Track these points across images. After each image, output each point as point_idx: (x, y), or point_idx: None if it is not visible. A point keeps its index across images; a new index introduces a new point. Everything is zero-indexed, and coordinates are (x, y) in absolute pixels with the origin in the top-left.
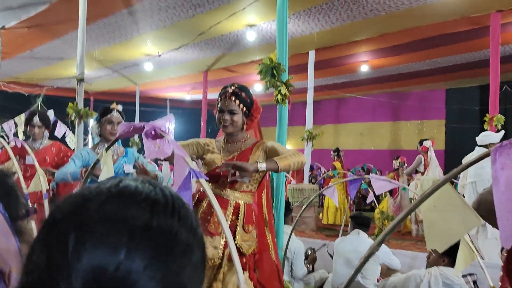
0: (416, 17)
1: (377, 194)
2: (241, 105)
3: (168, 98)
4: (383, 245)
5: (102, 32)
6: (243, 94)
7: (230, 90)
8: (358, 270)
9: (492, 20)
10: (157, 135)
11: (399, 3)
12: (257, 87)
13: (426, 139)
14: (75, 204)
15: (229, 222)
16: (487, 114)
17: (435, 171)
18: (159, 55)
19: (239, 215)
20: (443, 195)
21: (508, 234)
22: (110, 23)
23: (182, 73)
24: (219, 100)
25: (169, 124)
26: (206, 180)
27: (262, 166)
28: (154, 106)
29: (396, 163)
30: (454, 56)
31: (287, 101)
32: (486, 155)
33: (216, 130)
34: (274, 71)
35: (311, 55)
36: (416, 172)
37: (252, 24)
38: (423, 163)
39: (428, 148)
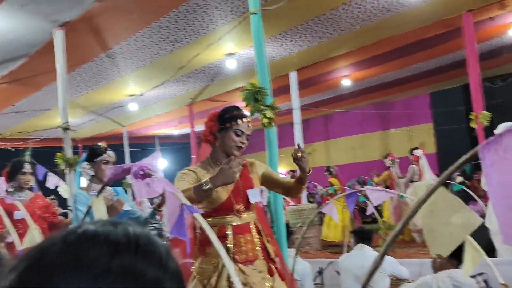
0: (390, 27)
1: (375, 205)
2: None
3: (156, 136)
4: (388, 256)
5: (83, 78)
6: None
7: (247, 114)
8: (365, 286)
9: (464, 20)
10: (146, 175)
11: (372, 15)
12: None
13: (416, 148)
14: (33, 258)
15: (259, 246)
16: (471, 112)
17: (429, 179)
18: (141, 94)
19: (261, 232)
20: (438, 199)
21: (508, 231)
22: (90, 69)
23: (168, 109)
24: (236, 122)
25: (156, 161)
26: (215, 215)
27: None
28: (143, 146)
29: (387, 162)
30: (433, 59)
31: (273, 124)
32: (476, 152)
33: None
34: (257, 96)
35: (293, 76)
36: (412, 182)
37: (231, 53)
38: (417, 172)
39: (419, 157)
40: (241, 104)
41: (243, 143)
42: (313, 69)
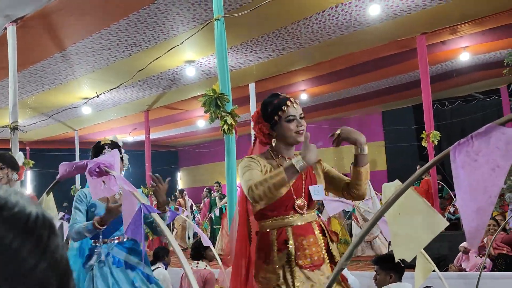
0: (348, 44)
1: (330, 215)
2: None
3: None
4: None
5: (35, 78)
6: None
7: (288, 96)
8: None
9: (418, 42)
10: (102, 172)
11: (331, 32)
12: (200, 123)
13: None
14: None
15: (324, 252)
16: (423, 132)
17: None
18: (97, 96)
19: (325, 232)
20: (407, 201)
21: (473, 235)
22: (43, 68)
23: (122, 114)
24: (282, 109)
25: (114, 159)
26: (272, 215)
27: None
28: None
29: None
30: (387, 79)
31: (234, 131)
32: (447, 153)
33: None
34: (218, 102)
35: (252, 87)
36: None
37: (190, 60)
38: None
39: None
40: (198, 112)
41: (301, 125)
42: (271, 82)
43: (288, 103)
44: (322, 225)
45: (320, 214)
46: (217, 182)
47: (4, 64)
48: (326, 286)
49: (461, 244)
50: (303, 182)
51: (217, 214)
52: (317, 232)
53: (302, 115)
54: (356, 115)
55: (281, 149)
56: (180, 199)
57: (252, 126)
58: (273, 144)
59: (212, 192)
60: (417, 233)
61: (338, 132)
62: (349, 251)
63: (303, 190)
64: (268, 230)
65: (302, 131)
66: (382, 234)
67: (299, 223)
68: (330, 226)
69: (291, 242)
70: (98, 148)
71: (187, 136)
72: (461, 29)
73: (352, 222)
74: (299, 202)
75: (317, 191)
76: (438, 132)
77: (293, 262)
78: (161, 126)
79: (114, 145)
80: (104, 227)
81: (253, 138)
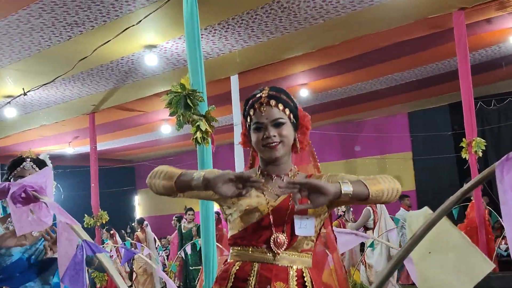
0: (362, 24)
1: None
2: (287, 111)
3: (41, 154)
4: None
5: None
6: (284, 96)
7: (265, 94)
8: None
9: (455, 20)
10: (30, 198)
11: (340, 7)
12: (165, 129)
13: None
14: None
15: None
16: (463, 139)
17: (388, 224)
18: (24, 94)
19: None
20: (439, 235)
21: None
22: None
23: (60, 118)
24: (250, 114)
25: (46, 180)
26: (241, 242)
27: (347, 188)
28: None
29: (340, 209)
30: (414, 70)
31: (209, 140)
32: (491, 172)
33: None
34: (189, 101)
35: (234, 81)
36: (366, 229)
37: (151, 45)
38: (372, 216)
39: None
40: (162, 115)
41: (271, 136)
42: (260, 74)
43: (256, 105)
44: (308, 276)
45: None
46: (190, 209)
47: None
48: None
49: None
50: (287, 212)
51: (189, 252)
52: (292, 282)
53: (280, 121)
54: (373, 117)
55: (264, 166)
56: (139, 232)
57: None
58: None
59: (184, 221)
60: (453, 278)
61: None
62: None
63: (285, 223)
64: (232, 260)
65: (272, 144)
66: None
67: (272, 262)
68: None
69: (251, 280)
70: (16, 163)
71: (147, 147)
72: (511, 4)
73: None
74: (279, 237)
75: (304, 224)
76: (483, 140)
77: None
78: (112, 133)
79: (40, 162)
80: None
81: (235, 136)
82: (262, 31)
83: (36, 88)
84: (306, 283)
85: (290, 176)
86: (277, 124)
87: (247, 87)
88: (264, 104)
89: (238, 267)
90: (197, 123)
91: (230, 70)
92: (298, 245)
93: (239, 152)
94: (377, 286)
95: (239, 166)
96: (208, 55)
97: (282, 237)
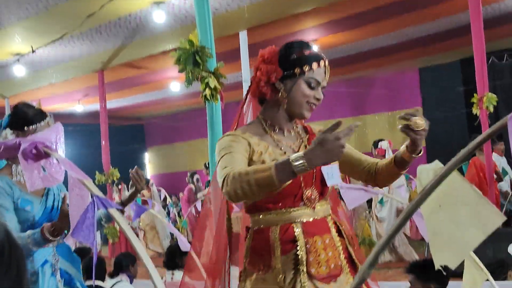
0: None
1: (349, 208)
2: None
3: (51, 113)
4: None
5: None
6: None
7: (325, 58)
8: None
9: None
10: (41, 154)
11: None
12: (174, 87)
13: (381, 140)
14: None
15: (343, 258)
16: (474, 94)
17: (398, 180)
18: (33, 51)
19: (341, 231)
20: (450, 189)
21: None
22: None
23: (69, 76)
24: (311, 66)
25: (57, 136)
26: (274, 207)
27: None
28: None
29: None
30: (425, 24)
31: (218, 96)
32: (503, 125)
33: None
34: (197, 58)
35: (243, 37)
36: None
37: (159, 1)
38: None
39: (385, 151)
40: (170, 72)
41: (318, 99)
42: (269, 30)
43: (321, 63)
44: (337, 221)
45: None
46: (206, 165)
47: None
48: None
49: None
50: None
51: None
52: (333, 231)
53: (324, 87)
54: (384, 74)
55: (280, 118)
56: (144, 191)
57: (255, 65)
58: (270, 108)
59: (199, 178)
60: (464, 232)
61: (421, 123)
62: (373, 256)
63: (314, 176)
64: (267, 226)
65: (314, 106)
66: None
67: (311, 219)
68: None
69: (300, 242)
70: (37, 116)
71: (156, 104)
72: None
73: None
74: (309, 193)
75: (331, 174)
76: (495, 95)
77: (302, 270)
78: (121, 91)
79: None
80: (58, 237)
81: (245, 93)
82: None
83: (45, 45)
84: (340, 229)
85: (295, 128)
86: (323, 88)
87: (256, 43)
88: (326, 68)
89: (279, 231)
90: (206, 80)
91: (239, 25)
92: (326, 195)
93: (248, 109)
94: (386, 240)
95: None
96: (216, 11)
97: (314, 191)
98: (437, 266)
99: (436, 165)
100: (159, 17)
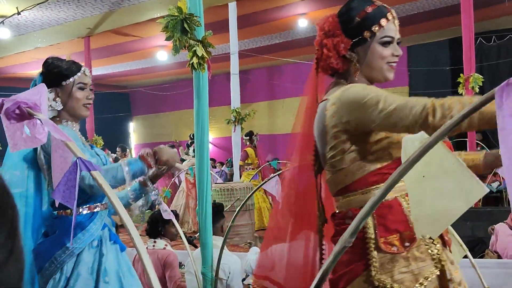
0: None
1: None
2: None
3: (35, 78)
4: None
5: None
6: None
7: (390, 8)
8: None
9: None
10: (24, 115)
11: None
12: (161, 56)
13: None
14: None
15: None
16: (461, 75)
17: None
18: (18, 13)
19: None
20: (434, 160)
21: None
22: None
23: (54, 41)
24: (379, 23)
25: (40, 97)
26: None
27: None
28: (16, 90)
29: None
30: (416, 2)
31: (206, 66)
32: (490, 98)
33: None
34: (185, 25)
35: (232, 8)
36: None
37: None
38: None
39: None
40: (157, 40)
41: (397, 55)
42: (258, 1)
43: (389, 16)
44: None
45: None
46: (191, 136)
47: None
48: None
49: (492, 226)
50: None
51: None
52: None
53: (399, 40)
54: None
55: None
56: (122, 159)
57: (317, 41)
58: (349, 76)
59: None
60: (446, 203)
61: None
62: (355, 224)
63: None
64: (394, 197)
65: (394, 64)
66: None
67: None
68: None
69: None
70: (74, 64)
71: (142, 73)
72: None
73: None
74: None
75: None
76: (481, 76)
77: (430, 241)
78: (107, 58)
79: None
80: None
81: (233, 64)
82: None
83: (30, 7)
84: None
85: None
86: (398, 43)
87: (245, 15)
88: (395, 18)
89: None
90: (194, 48)
91: None
92: None
93: (235, 81)
94: (368, 210)
95: (235, 95)
96: None
97: None
98: (418, 235)
99: (422, 135)
100: None
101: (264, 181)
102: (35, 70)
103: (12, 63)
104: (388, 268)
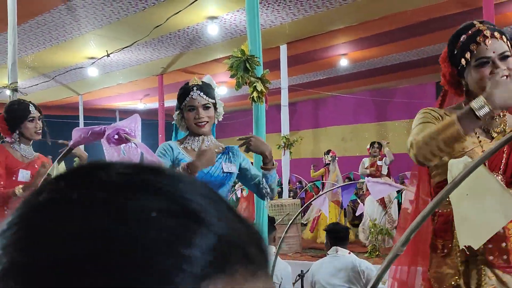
0: (399, 1)
1: (375, 199)
2: (510, 44)
3: (117, 109)
4: (365, 261)
5: (36, 33)
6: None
7: (484, 27)
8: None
9: (484, 0)
10: (122, 139)
11: None
12: (221, 90)
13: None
14: None
15: None
16: None
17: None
18: (107, 55)
19: None
20: (476, 180)
21: None
22: (45, 22)
23: (133, 78)
24: (471, 49)
25: (135, 125)
26: None
27: None
28: (101, 119)
29: (327, 158)
30: (444, 43)
31: (263, 99)
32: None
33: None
34: (247, 65)
35: (283, 50)
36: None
37: (213, 16)
38: (366, 165)
39: (331, 161)
40: (219, 77)
41: (508, 69)
42: (306, 44)
43: (479, 38)
44: None
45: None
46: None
47: (1, 16)
48: None
49: None
50: (504, 152)
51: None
52: None
53: (507, 54)
54: (404, 85)
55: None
56: None
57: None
58: (468, 96)
59: None
60: (487, 218)
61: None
62: (406, 235)
63: (503, 163)
64: (448, 210)
65: (506, 77)
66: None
67: None
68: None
69: None
70: (185, 90)
71: None
72: None
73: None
74: (497, 177)
75: None
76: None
77: (480, 256)
78: (176, 93)
79: (205, 86)
80: None
81: (283, 98)
82: (310, 5)
83: (118, 50)
84: None
85: (502, 116)
86: (504, 58)
87: (294, 55)
88: (489, 37)
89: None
90: (254, 84)
91: (280, 40)
92: None
93: (285, 111)
94: (416, 225)
95: (285, 124)
96: (261, 26)
97: (499, 177)
98: (461, 246)
99: (466, 159)
100: (212, 30)
101: (313, 198)
102: (117, 103)
103: (98, 96)
104: None
